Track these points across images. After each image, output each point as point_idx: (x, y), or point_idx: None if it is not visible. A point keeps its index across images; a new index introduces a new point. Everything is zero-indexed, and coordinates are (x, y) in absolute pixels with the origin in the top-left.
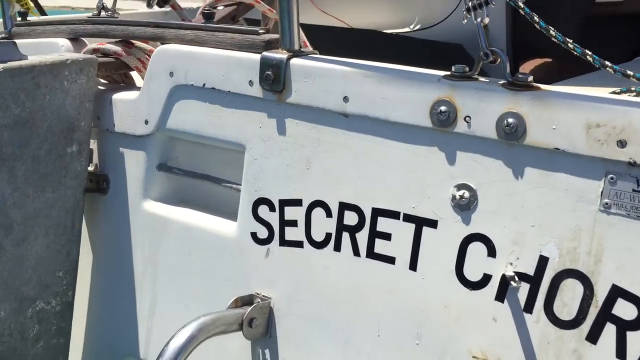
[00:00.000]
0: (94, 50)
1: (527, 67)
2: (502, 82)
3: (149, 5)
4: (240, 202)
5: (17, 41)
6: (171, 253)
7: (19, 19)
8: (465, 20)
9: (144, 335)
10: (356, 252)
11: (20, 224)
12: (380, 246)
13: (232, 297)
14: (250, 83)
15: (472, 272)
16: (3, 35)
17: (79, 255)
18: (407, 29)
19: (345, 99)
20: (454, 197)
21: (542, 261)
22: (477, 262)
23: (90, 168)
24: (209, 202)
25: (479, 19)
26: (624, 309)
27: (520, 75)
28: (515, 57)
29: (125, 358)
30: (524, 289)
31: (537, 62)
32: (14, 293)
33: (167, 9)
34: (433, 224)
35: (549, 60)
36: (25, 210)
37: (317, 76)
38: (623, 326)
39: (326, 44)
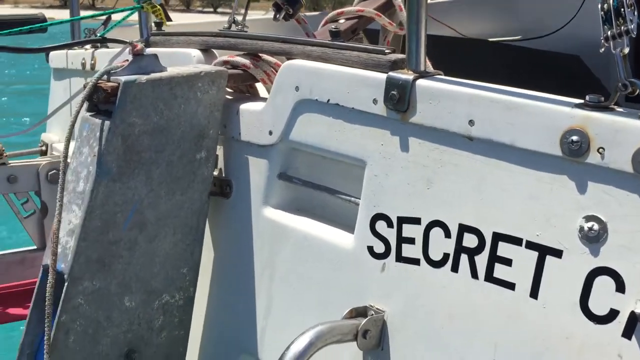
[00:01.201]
0: (224, 62)
1: None
2: None
3: (275, 19)
4: (358, 216)
5: (152, 49)
6: (288, 259)
7: (154, 28)
8: (603, 49)
9: (258, 335)
10: (474, 275)
11: (153, 222)
12: (500, 271)
13: (345, 307)
14: (375, 101)
15: (598, 306)
16: (140, 42)
17: (201, 254)
18: (519, 38)
19: (471, 122)
20: (581, 229)
21: None
22: (604, 296)
23: (215, 173)
24: (325, 213)
25: (618, 49)
26: None
27: None
28: (636, 68)
29: (240, 355)
30: None
31: None
32: (144, 286)
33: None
34: (558, 253)
35: None
36: (158, 210)
37: (442, 98)
38: None
39: (438, 54)
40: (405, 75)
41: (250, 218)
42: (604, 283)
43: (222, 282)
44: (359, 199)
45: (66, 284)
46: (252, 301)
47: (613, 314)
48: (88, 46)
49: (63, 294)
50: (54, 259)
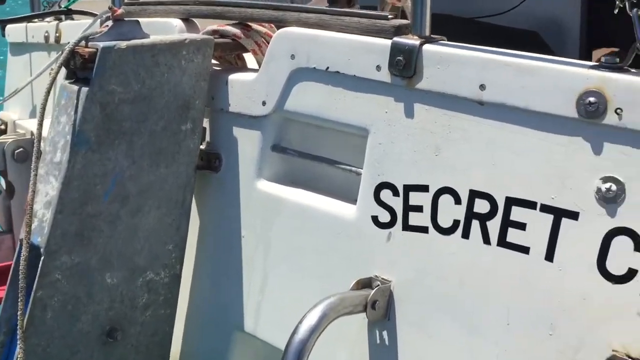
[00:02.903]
0: (213, 32)
1: (597, 54)
2: None
3: None
4: (361, 186)
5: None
6: (284, 232)
7: None
8: (617, 10)
9: (252, 310)
10: (486, 240)
11: (135, 196)
12: (513, 235)
13: (347, 279)
14: (378, 68)
15: (616, 266)
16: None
17: (188, 230)
18: (480, 14)
19: (482, 86)
20: (599, 190)
21: None
22: (622, 256)
23: (202, 147)
24: (322, 184)
25: (634, 10)
26: None
27: None
28: (588, 45)
29: (233, 331)
30: None
31: (605, 51)
32: (126, 262)
33: None
34: (574, 215)
35: (617, 50)
36: (140, 183)
37: (451, 63)
38: None
39: None
40: (412, 40)
41: (241, 192)
42: (621, 243)
43: (211, 258)
44: (360, 168)
45: (42, 258)
46: (245, 277)
47: (632, 273)
48: (50, 19)
49: (39, 269)
50: (28, 231)
